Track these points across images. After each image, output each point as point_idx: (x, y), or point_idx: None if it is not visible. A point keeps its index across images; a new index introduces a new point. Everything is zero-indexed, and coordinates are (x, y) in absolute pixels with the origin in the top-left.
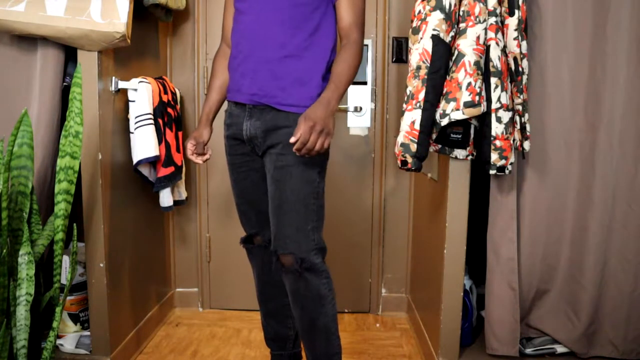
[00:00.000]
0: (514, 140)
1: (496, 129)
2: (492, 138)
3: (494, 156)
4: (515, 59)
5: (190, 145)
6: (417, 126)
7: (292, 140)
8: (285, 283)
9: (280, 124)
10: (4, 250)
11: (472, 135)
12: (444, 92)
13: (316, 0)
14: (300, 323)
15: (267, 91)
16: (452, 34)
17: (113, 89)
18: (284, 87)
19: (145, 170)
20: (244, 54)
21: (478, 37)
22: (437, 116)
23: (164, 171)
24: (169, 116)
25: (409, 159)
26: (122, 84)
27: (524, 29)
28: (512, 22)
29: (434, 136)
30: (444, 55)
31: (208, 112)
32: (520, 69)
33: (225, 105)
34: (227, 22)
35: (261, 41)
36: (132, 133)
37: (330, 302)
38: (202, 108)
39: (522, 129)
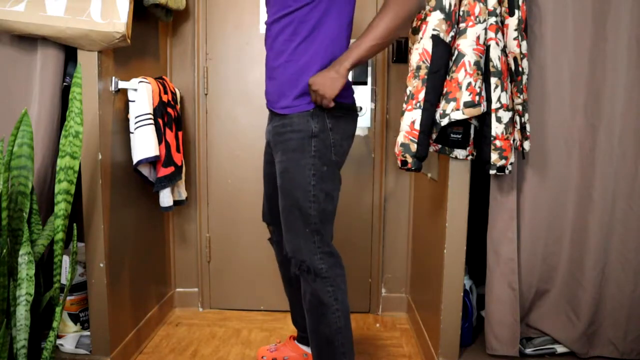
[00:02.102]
0: (514, 140)
1: (496, 129)
2: (492, 138)
3: (494, 156)
4: (515, 59)
5: None
6: (417, 126)
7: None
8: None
9: (280, 129)
10: (4, 250)
11: (472, 135)
12: (444, 92)
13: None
14: (307, 328)
15: (273, 97)
16: (452, 34)
17: (113, 89)
18: (283, 92)
19: (145, 170)
20: (265, 63)
21: (478, 37)
22: (437, 116)
23: (164, 171)
24: (169, 116)
25: (409, 159)
26: (122, 84)
27: (524, 29)
28: (512, 22)
29: (434, 136)
30: (444, 55)
31: None
32: (520, 69)
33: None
34: None
35: (269, 51)
36: (132, 133)
37: (334, 312)
38: None
39: (522, 129)
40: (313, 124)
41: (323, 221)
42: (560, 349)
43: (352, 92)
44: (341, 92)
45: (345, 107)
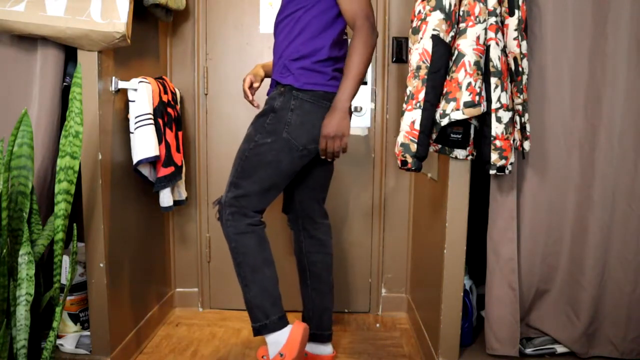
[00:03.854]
0: (514, 140)
1: (496, 129)
2: (492, 138)
3: (494, 156)
4: (515, 59)
5: (249, 77)
6: (417, 126)
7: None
8: None
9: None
10: (4, 250)
11: (472, 135)
12: (444, 92)
13: (305, 3)
14: None
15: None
16: (452, 34)
17: (113, 89)
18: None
19: (145, 170)
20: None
21: (478, 37)
22: (437, 116)
23: (164, 171)
24: (169, 116)
25: (409, 159)
26: (122, 84)
27: (524, 29)
28: (512, 22)
29: (434, 136)
30: (444, 55)
31: (265, 64)
32: (520, 69)
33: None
34: None
35: (274, 47)
36: (132, 133)
37: (233, 249)
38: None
39: (522, 129)
40: (277, 101)
41: (242, 179)
42: (560, 349)
43: (335, 83)
44: (317, 79)
45: (318, 95)
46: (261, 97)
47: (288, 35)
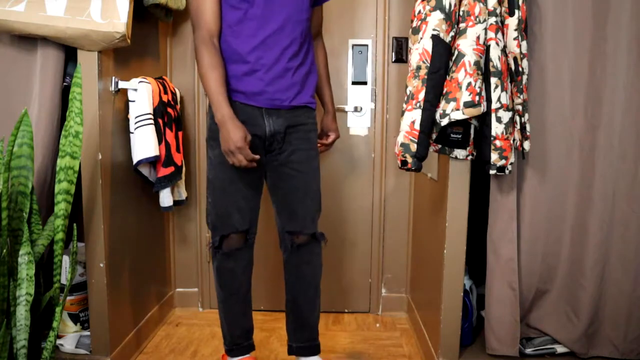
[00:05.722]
0: (514, 140)
1: (496, 129)
2: (492, 138)
3: (494, 156)
4: (515, 59)
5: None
6: (417, 126)
7: (331, 141)
8: (295, 260)
9: (306, 120)
10: (4, 250)
11: (472, 135)
12: (444, 92)
13: (310, 11)
14: (305, 295)
15: (289, 95)
16: (452, 34)
17: (113, 89)
18: (302, 89)
19: (145, 170)
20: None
21: (478, 37)
22: (437, 116)
23: (164, 171)
24: (169, 116)
25: (409, 159)
26: (122, 84)
27: (524, 29)
28: (512, 22)
29: (434, 136)
30: (444, 55)
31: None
32: (520, 69)
33: None
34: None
35: (288, 49)
36: (132, 133)
37: (320, 274)
38: (226, 106)
39: (522, 129)
40: (312, 118)
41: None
42: (560, 349)
43: None
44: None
45: None
46: None
47: (304, 40)
